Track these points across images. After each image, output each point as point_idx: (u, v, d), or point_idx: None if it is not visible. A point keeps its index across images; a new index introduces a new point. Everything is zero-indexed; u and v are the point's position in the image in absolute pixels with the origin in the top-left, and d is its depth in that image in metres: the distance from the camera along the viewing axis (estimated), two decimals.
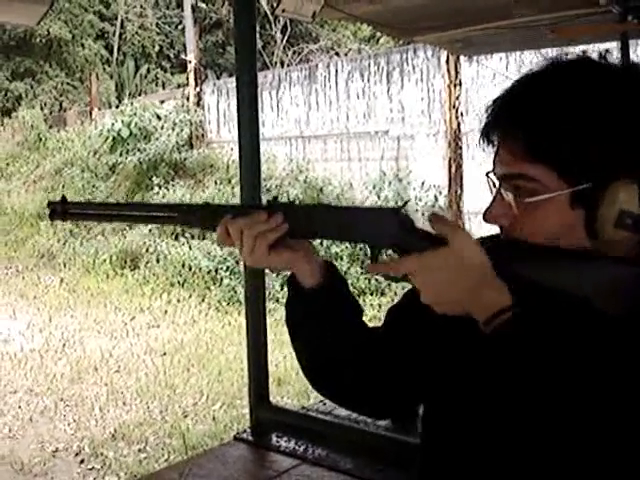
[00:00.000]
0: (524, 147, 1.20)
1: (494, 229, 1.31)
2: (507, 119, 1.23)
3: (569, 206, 1.19)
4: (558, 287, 1.18)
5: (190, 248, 11.37)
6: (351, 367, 1.42)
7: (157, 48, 22.21)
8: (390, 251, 1.29)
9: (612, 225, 1.17)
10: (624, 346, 1.11)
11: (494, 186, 1.26)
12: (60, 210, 1.39)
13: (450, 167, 10.26)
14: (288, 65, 16.68)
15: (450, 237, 1.18)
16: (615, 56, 1.24)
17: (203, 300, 10.09)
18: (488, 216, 1.27)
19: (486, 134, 1.26)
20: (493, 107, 1.25)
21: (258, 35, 18.60)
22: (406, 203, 1.38)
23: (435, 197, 10.44)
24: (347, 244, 10.24)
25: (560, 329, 1.13)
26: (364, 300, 9.46)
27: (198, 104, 14.16)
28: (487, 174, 1.28)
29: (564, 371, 1.10)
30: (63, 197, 1.40)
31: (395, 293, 9.43)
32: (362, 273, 9.90)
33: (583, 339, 1.12)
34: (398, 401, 1.47)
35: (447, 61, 10.28)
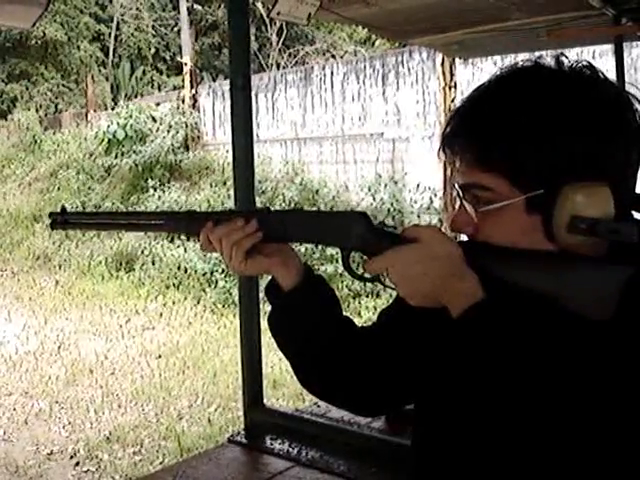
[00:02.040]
0: (476, 157, 1.22)
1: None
2: (460, 131, 1.26)
3: (525, 212, 1.21)
4: (534, 291, 1.19)
5: (185, 250, 11.36)
6: (335, 364, 1.44)
7: (153, 50, 22.21)
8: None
9: (565, 230, 1.17)
10: (592, 347, 1.12)
11: (458, 196, 1.29)
12: (60, 220, 1.47)
13: (445, 169, 10.26)
14: (284, 67, 16.68)
15: (420, 234, 1.22)
16: (571, 59, 1.25)
17: (198, 302, 10.09)
18: (453, 225, 1.30)
19: (447, 146, 1.29)
20: (449, 119, 1.28)
21: (254, 37, 18.63)
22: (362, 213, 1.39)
23: (430, 199, 10.45)
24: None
25: (527, 324, 1.14)
26: (359, 302, 9.46)
27: (194, 106, 14.16)
28: (453, 186, 1.31)
29: (526, 364, 1.12)
30: (63, 207, 1.48)
31: (390, 295, 9.43)
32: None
33: (547, 336, 1.13)
34: (386, 398, 1.49)
35: (442, 64, 10.29)
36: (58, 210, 1.49)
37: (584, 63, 1.24)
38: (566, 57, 1.25)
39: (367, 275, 1.31)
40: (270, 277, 1.47)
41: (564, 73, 1.24)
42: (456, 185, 1.29)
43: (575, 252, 1.21)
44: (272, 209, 1.42)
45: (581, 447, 1.14)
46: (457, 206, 1.30)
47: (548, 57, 1.26)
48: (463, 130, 1.25)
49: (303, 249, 10.28)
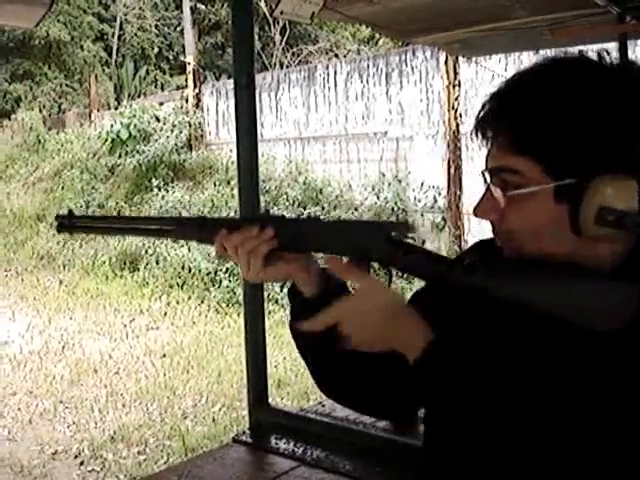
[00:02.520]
0: (511, 141, 1.22)
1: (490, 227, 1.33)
2: (497, 114, 1.25)
3: (553, 200, 1.21)
4: (536, 306, 1.20)
5: (189, 250, 11.36)
6: (355, 370, 1.44)
7: (156, 50, 22.22)
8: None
9: (593, 221, 1.17)
10: (595, 361, 1.14)
11: (485, 182, 1.29)
12: (67, 223, 1.46)
13: (449, 168, 10.26)
14: (287, 66, 16.67)
15: (357, 284, 1.28)
16: (614, 56, 1.25)
17: (202, 302, 10.09)
18: (477, 211, 1.30)
19: (480, 130, 1.28)
20: (485, 103, 1.27)
21: (257, 36, 18.60)
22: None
23: (434, 198, 10.44)
24: None
25: (486, 353, 1.20)
26: None
27: (197, 106, 14.16)
28: (482, 172, 1.30)
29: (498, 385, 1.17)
30: (70, 211, 1.47)
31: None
32: None
33: (528, 352, 1.18)
34: (404, 401, 1.49)
35: (446, 62, 10.28)
36: (64, 212, 1.47)
37: (626, 60, 1.25)
38: (608, 53, 1.25)
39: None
40: (291, 282, 1.45)
41: (607, 68, 1.24)
42: (483, 170, 1.29)
43: (595, 249, 1.22)
44: (287, 216, 1.40)
45: (585, 452, 1.14)
46: (482, 192, 1.29)
47: (589, 52, 1.27)
48: (500, 113, 1.25)
49: None
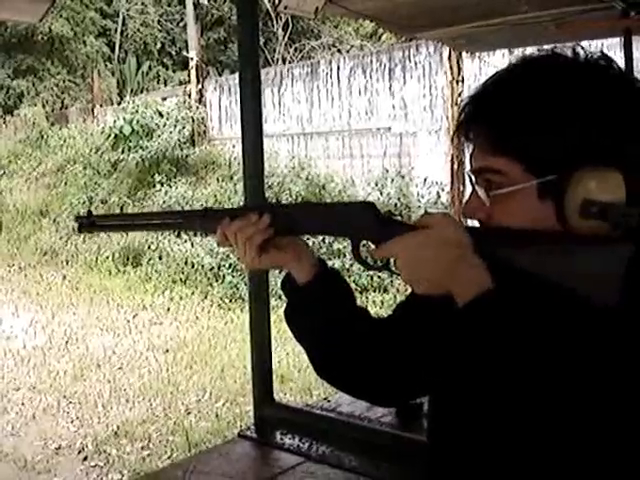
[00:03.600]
0: (490, 142, 1.24)
1: None
2: (474, 116, 1.27)
3: (537, 198, 1.21)
4: (541, 273, 1.19)
5: (192, 245, 11.37)
6: (350, 355, 1.46)
7: (159, 45, 22.21)
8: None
9: (577, 214, 1.18)
10: (604, 338, 1.12)
11: (471, 182, 1.30)
12: (87, 223, 1.50)
13: (452, 164, 10.25)
14: (290, 62, 16.67)
15: (431, 220, 1.23)
16: (588, 51, 1.26)
17: (205, 297, 10.09)
18: (466, 210, 1.31)
19: (461, 132, 1.30)
20: (464, 106, 1.29)
21: (260, 32, 18.58)
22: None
23: (437, 194, 10.44)
24: (349, 241, 10.23)
25: (534, 315, 1.14)
26: (367, 297, 9.45)
27: (200, 101, 14.16)
28: (467, 173, 1.32)
29: (532, 355, 1.11)
30: (89, 211, 1.52)
31: (397, 290, 9.43)
32: (364, 270, 9.90)
33: (554, 326, 1.13)
34: (401, 388, 1.50)
35: (449, 57, 10.27)
36: (84, 213, 1.53)
37: (599, 54, 1.26)
38: (582, 48, 1.26)
39: (376, 264, 1.34)
40: (286, 272, 1.49)
41: (579, 62, 1.25)
42: (468, 170, 1.31)
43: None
44: (285, 203, 1.45)
45: (593, 436, 1.13)
46: (469, 192, 1.31)
47: (564, 48, 1.27)
48: (478, 115, 1.26)
49: (310, 243, 10.28)
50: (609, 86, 1.22)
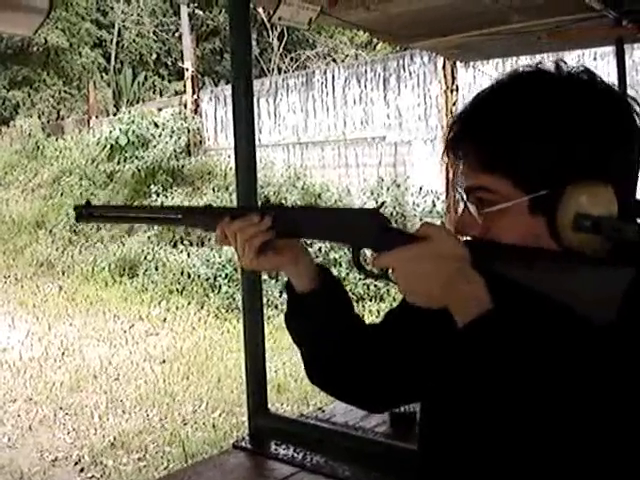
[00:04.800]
0: (478, 160, 1.24)
1: None
2: (462, 135, 1.27)
3: (529, 214, 1.22)
4: (540, 291, 1.19)
5: (189, 255, 11.37)
6: (342, 361, 1.47)
7: (154, 56, 22.23)
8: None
9: (570, 228, 1.18)
10: (602, 356, 1.12)
11: (462, 199, 1.30)
12: (85, 213, 1.52)
13: (447, 172, 10.26)
14: (285, 72, 16.69)
15: (430, 232, 1.22)
16: (570, 65, 1.27)
17: (202, 307, 10.09)
18: (459, 227, 1.31)
19: (450, 151, 1.30)
20: (452, 125, 1.29)
21: (255, 42, 18.61)
22: (382, 204, 1.42)
23: (433, 202, 10.45)
24: (346, 250, 10.25)
25: (537, 336, 1.13)
26: (363, 306, 9.45)
27: (196, 111, 14.18)
28: (458, 191, 1.32)
29: (531, 374, 1.11)
30: (87, 201, 1.53)
31: (394, 298, 9.43)
32: (360, 279, 9.91)
33: (560, 348, 1.12)
34: (392, 394, 1.52)
35: (444, 67, 10.30)
36: (82, 203, 1.54)
37: (581, 68, 1.26)
38: (565, 63, 1.26)
39: (375, 271, 1.33)
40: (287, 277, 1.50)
41: (564, 77, 1.25)
42: (460, 188, 1.31)
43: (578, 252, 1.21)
44: (286, 206, 1.46)
45: (587, 451, 1.13)
46: (461, 209, 1.31)
47: (548, 63, 1.28)
48: (466, 133, 1.27)
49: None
50: (595, 100, 1.23)
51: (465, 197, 1.29)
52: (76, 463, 5.62)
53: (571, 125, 1.19)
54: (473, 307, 1.16)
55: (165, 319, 9.88)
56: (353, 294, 9.65)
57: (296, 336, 1.52)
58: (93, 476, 5.40)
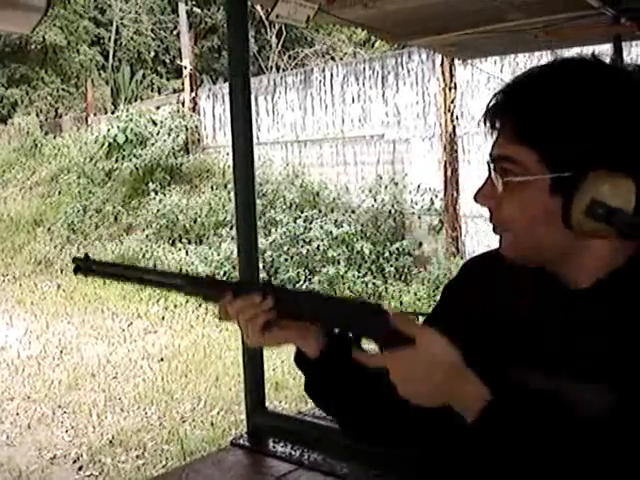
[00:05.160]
0: (514, 131, 1.25)
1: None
2: (504, 105, 1.29)
3: (549, 193, 1.23)
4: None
5: (187, 253, 11.37)
6: (375, 410, 1.47)
7: (152, 54, 22.21)
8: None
9: (583, 213, 1.19)
10: (595, 445, 1.15)
11: (488, 169, 1.32)
12: (84, 266, 1.50)
13: (446, 170, 10.25)
14: (283, 70, 16.68)
15: (417, 337, 1.23)
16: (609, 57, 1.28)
17: (200, 305, 10.07)
18: (477, 196, 1.32)
19: (489, 119, 1.31)
20: (496, 94, 1.31)
21: (253, 40, 18.57)
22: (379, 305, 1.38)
23: (431, 200, 10.44)
24: (344, 248, 10.25)
25: (535, 424, 1.18)
26: None
27: (194, 109, 14.16)
28: (487, 161, 1.33)
29: (538, 460, 1.16)
30: (86, 255, 1.50)
31: (392, 297, 9.44)
32: (358, 277, 9.91)
33: (555, 434, 1.17)
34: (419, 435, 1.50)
35: (442, 65, 10.28)
36: (81, 256, 1.51)
37: (635, 65, 1.28)
38: (622, 56, 1.29)
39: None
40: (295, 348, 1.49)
41: (611, 67, 1.27)
42: (489, 157, 1.32)
43: (587, 248, 1.24)
44: (288, 288, 1.46)
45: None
46: (484, 179, 1.32)
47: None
48: (508, 104, 1.28)
49: (305, 250, 10.28)
50: (635, 94, 1.24)
51: (492, 166, 1.30)
52: (74, 461, 5.61)
53: (610, 115, 1.21)
54: (476, 404, 1.20)
55: (163, 317, 9.88)
56: (351, 292, 9.66)
57: (321, 400, 1.53)
58: (91, 474, 5.40)
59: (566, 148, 1.21)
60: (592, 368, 1.19)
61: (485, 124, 1.31)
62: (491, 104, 1.30)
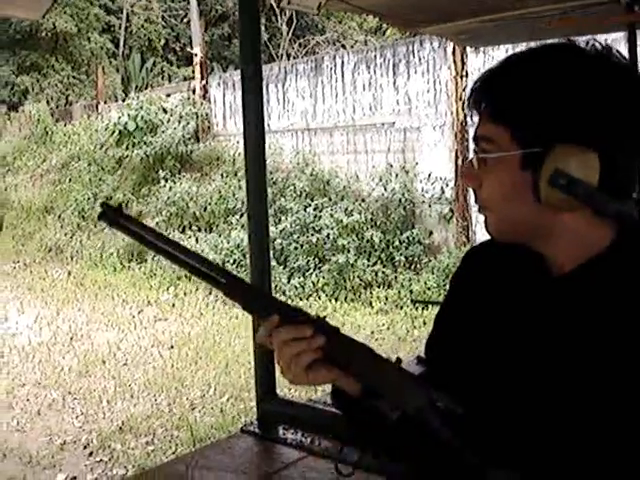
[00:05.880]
0: (491, 110, 1.30)
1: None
2: (484, 87, 1.32)
3: (519, 168, 1.26)
4: None
5: (197, 241, 11.38)
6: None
7: (163, 41, 22.23)
8: None
9: (547, 183, 1.22)
10: None
11: (474, 150, 1.36)
12: (111, 216, 1.25)
13: (457, 159, 10.22)
14: (294, 57, 16.65)
15: None
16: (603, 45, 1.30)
17: (210, 293, 10.09)
18: (462, 177, 1.38)
19: (473, 102, 1.34)
20: (478, 78, 1.34)
21: (264, 28, 18.54)
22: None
23: (442, 189, 10.42)
24: (354, 237, 10.24)
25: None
26: (371, 292, 9.46)
27: (204, 97, 14.15)
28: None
29: None
30: (119, 205, 1.26)
31: (402, 285, 9.43)
32: (368, 266, 9.90)
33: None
34: None
35: (453, 52, 10.24)
36: (115, 205, 1.26)
37: (603, 44, 1.29)
38: (596, 41, 1.30)
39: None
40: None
41: (578, 48, 1.29)
42: (472, 139, 1.36)
43: (557, 222, 1.27)
44: (342, 332, 1.29)
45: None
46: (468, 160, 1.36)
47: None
48: (485, 86, 1.31)
49: (314, 239, 10.28)
50: (611, 74, 1.26)
51: (475, 148, 1.34)
52: (85, 447, 5.64)
53: (581, 93, 1.23)
54: None
55: (174, 304, 9.91)
56: (361, 281, 9.66)
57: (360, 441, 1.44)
58: (101, 460, 5.42)
59: (535, 125, 1.24)
60: (557, 359, 1.22)
61: (470, 107, 1.35)
62: (474, 86, 1.33)
